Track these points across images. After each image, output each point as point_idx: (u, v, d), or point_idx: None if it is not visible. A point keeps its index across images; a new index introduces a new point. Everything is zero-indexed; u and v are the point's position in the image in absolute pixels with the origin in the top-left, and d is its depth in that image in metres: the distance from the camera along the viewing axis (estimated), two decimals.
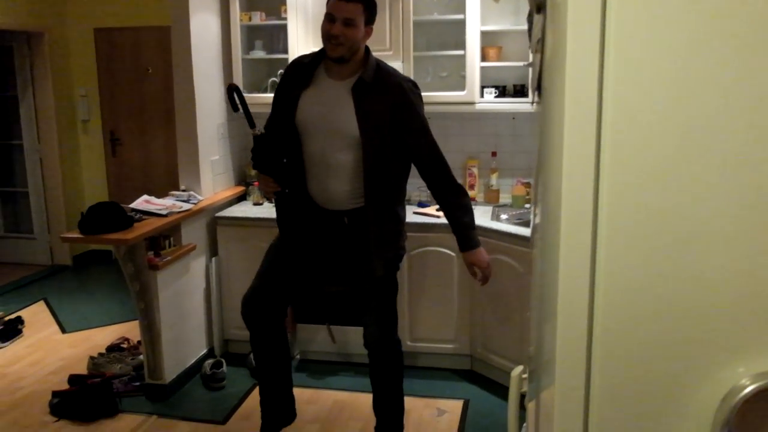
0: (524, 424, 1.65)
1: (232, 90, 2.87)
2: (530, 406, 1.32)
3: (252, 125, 2.86)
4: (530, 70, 1.11)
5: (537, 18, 1.04)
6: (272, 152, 2.86)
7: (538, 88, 1.06)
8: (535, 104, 1.28)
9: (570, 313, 0.89)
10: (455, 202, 2.91)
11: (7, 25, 5.71)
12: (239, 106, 2.86)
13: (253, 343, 3.12)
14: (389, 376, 3.11)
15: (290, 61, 3.24)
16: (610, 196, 0.84)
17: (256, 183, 4.34)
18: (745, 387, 0.80)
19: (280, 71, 4.26)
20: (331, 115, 2.77)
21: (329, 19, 2.69)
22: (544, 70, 1.00)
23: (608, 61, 0.80)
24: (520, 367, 1.48)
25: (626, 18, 0.80)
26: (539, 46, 1.03)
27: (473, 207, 3.73)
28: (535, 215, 1.38)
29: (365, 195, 2.82)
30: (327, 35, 2.69)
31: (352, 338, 4.06)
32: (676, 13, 0.78)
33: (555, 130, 0.87)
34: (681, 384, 0.85)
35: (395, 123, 2.77)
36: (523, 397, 1.51)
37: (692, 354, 0.85)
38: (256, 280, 3.04)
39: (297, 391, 3.73)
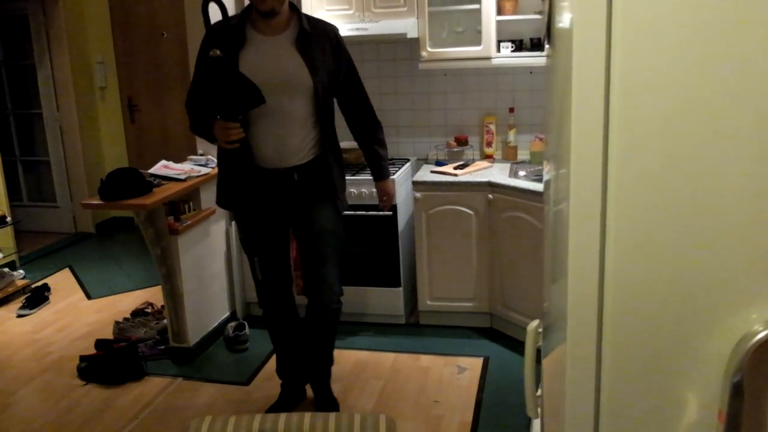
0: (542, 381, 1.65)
1: (210, 1, 2.67)
2: (545, 362, 1.32)
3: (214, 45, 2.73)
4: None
5: None
6: (235, 81, 2.67)
7: (548, 35, 1.03)
8: (546, 54, 1.26)
9: (581, 269, 0.88)
10: (377, 137, 3.09)
11: None
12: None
13: (268, 325, 3.28)
14: (331, 329, 3.19)
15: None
16: (620, 148, 0.82)
17: None
18: (758, 333, 0.79)
19: None
20: (283, 69, 2.78)
21: None
22: (553, 16, 0.98)
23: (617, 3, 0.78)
24: (536, 321, 1.48)
25: None
26: None
27: (492, 164, 3.77)
28: (546, 171, 1.37)
29: (322, 143, 2.90)
30: None
31: (371, 298, 4.08)
32: None
33: (564, 78, 0.86)
34: (694, 332, 0.84)
35: (335, 67, 2.88)
36: (539, 351, 1.51)
37: (705, 302, 0.83)
38: (255, 274, 3.15)
39: None
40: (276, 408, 3.26)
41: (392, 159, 4.39)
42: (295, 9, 2.86)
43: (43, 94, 6.33)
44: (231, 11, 3.76)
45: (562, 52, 0.87)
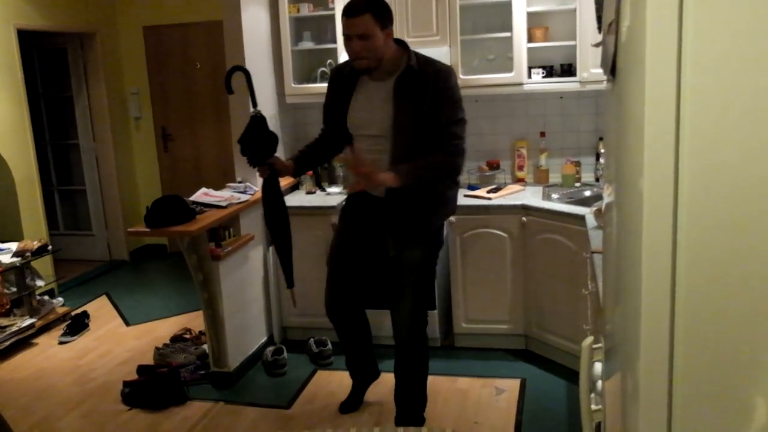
0: (591, 395, 1.69)
1: (234, 71, 3.06)
2: (608, 384, 1.36)
3: (255, 104, 3.06)
4: (599, 49, 1.16)
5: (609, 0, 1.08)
6: (266, 135, 3.04)
7: (612, 69, 1.10)
8: (606, 83, 1.32)
9: (653, 293, 0.91)
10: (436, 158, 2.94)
11: (60, 27, 5.90)
12: (241, 87, 3.10)
13: (339, 332, 3.43)
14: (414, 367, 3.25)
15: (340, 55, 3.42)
16: (691, 175, 0.86)
17: (309, 172, 4.43)
18: None
19: (329, 61, 4.34)
20: (372, 120, 2.95)
21: (347, 38, 2.82)
22: (619, 52, 1.04)
23: (686, 43, 0.84)
24: (591, 338, 1.53)
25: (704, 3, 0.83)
26: (612, 28, 1.06)
27: (524, 188, 3.83)
28: (607, 194, 1.42)
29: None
30: (351, 54, 2.85)
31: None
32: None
33: (634, 111, 0.91)
34: (764, 345, 0.88)
35: (430, 109, 2.84)
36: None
37: None
38: (331, 281, 3.30)
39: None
40: (349, 403, 3.54)
41: None
42: (406, 48, 2.93)
43: (80, 124, 6.51)
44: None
45: (631, 85, 0.93)
